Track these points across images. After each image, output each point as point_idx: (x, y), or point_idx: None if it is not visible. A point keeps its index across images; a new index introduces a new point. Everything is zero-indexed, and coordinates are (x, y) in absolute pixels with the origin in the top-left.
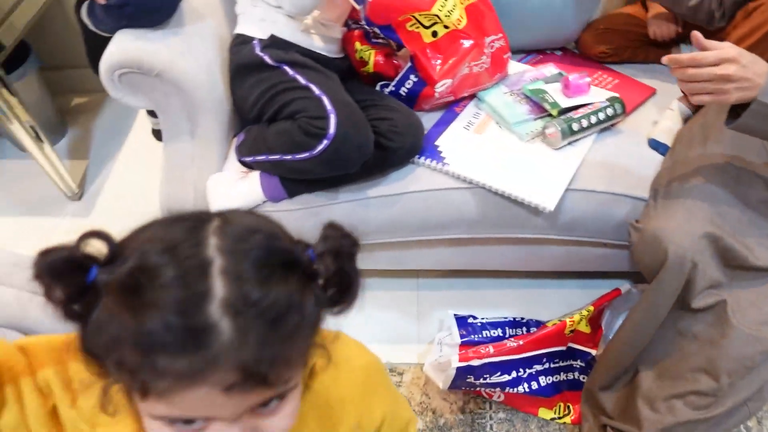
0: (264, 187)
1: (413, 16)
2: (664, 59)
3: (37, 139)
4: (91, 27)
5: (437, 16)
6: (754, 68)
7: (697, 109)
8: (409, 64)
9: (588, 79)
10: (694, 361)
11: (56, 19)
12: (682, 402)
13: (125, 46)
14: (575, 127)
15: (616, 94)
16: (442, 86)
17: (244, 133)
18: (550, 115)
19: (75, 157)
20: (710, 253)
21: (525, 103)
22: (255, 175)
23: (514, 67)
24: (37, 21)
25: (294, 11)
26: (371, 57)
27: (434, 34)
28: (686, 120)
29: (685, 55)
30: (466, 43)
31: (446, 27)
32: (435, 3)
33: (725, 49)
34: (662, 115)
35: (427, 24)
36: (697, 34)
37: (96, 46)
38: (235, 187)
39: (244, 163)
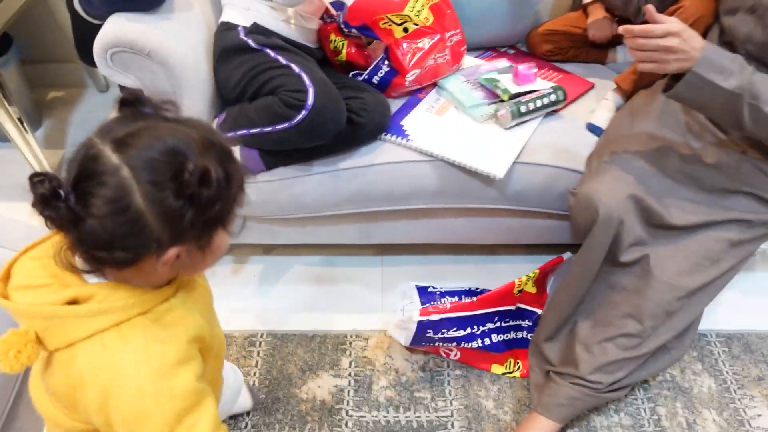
0: (244, 159)
1: (386, 16)
2: (621, 29)
3: (21, 127)
4: (83, 15)
5: (408, 15)
6: (692, 43)
7: (627, 98)
8: (382, 55)
9: (535, 70)
10: (622, 308)
11: (38, 14)
12: (612, 344)
13: (120, 27)
14: (523, 109)
15: (560, 85)
16: (412, 75)
17: (225, 112)
18: (502, 100)
19: (50, 147)
20: (634, 213)
21: (480, 90)
22: (235, 150)
23: (472, 61)
24: (20, 15)
25: (283, 2)
26: (344, 47)
27: (405, 29)
28: (619, 108)
29: (638, 26)
30: (433, 38)
31: (415, 24)
32: (406, 5)
33: (672, 23)
34: (599, 104)
35: (398, 22)
36: (650, 7)
37: (85, 33)
38: None
39: None
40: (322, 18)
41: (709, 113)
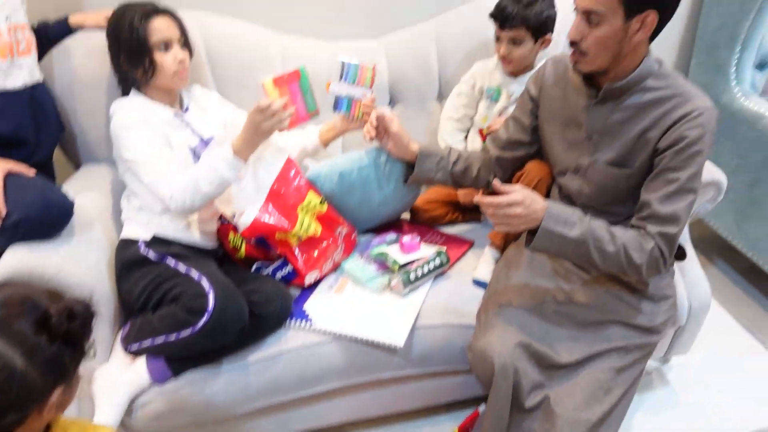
0: (150, 370)
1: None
2: (474, 200)
3: None
4: None
5: (297, 234)
6: (534, 206)
7: (502, 250)
8: (282, 258)
9: (418, 239)
10: None
11: None
12: None
13: (18, 258)
14: (412, 277)
15: (443, 248)
16: (310, 277)
17: (129, 322)
18: (393, 271)
19: None
20: (526, 358)
21: (373, 263)
22: (141, 361)
23: (365, 237)
24: None
25: (181, 214)
26: (243, 244)
27: (299, 239)
28: (497, 260)
29: (487, 199)
30: (324, 244)
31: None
32: (295, 225)
33: (514, 194)
34: (480, 260)
35: (293, 231)
36: (496, 183)
37: None
38: (121, 377)
39: (130, 352)
40: (220, 218)
41: (567, 258)
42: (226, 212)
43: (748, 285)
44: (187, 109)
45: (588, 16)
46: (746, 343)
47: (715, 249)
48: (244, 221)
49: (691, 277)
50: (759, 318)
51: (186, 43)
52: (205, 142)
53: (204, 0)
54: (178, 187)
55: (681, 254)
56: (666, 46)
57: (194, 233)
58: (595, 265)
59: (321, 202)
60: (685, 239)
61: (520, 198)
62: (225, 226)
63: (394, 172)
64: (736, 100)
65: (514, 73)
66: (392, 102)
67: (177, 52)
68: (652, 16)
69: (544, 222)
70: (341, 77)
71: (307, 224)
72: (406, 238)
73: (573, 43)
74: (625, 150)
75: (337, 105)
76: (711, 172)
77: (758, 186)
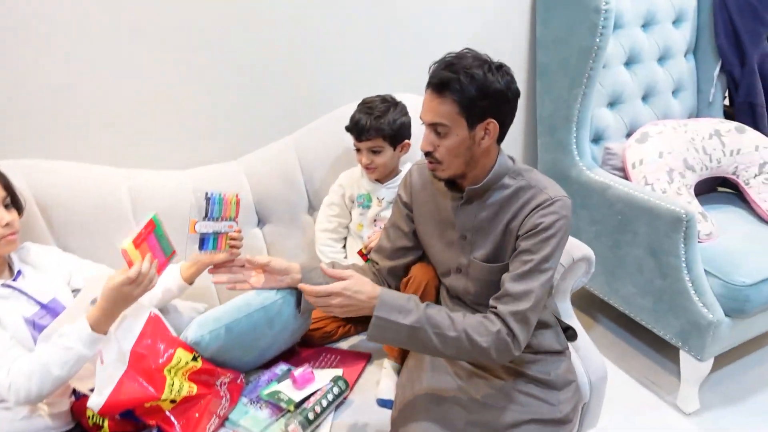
0: None
1: None
2: (299, 286)
3: None
4: None
5: (167, 399)
6: (359, 296)
7: (402, 360)
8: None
9: (310, 369)
10: None
11: None
12: None
13: None
14: (311, 416)
15: (339, 372)
16: None
17: None
18: (289, 411)
19: None
20: None
21: (265, 407)
22: None
23: (252, 376)
24: None
25: (24, 405)
26: (105, 421)
27: (173, 401)
28: (398, 371)
29: (307, 287)
30: (203, 400)
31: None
32: (164, 390)
33: (334, 285)
34: (380, 375)
35: (163, 398)
36: (322, 265)
37: None
38: None
39: None
40: (74, 393)
41: (410, 348)
42: (80, 387)
43: (630, 337)
44: (18, 274)
45: (435, 129)
46: (642, 396)
47: (596, 308)
48: (97, 400)
49: (585, 353)
50: (646, 369)
51: (13, 201)
52: (46, 307)
53: (32, 147)
54: (19, 374)
55: (572, 335)
56: (513, 130)
57: (40, 419)
58: (439, 351)
59: (194, 359)
60: (572, 319)
61: (339, 289)
62: (81, 401)
63: (285, 306)
64: (582, 173)
65: (380, 180)
66: (261, 222)
67: (1, 215)
68: (493, 124)
69: (376, 310)
70: (206, 214)
71: (178, 386)
72: (299, 372)
73: (427, 153)
74: (497, 245)
75: (203, 244)
76: (580, 248)
77: (618, 248)
